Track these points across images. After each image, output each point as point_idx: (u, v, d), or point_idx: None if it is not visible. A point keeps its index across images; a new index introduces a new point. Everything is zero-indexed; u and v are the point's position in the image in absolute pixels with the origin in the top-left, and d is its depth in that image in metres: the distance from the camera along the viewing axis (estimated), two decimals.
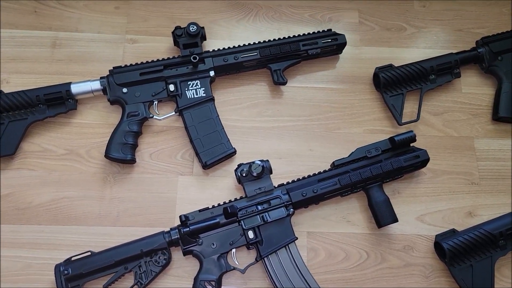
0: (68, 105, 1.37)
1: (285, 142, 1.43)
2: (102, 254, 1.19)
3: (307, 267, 1.23)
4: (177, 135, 1.41)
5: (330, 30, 1.50)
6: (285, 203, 1.26)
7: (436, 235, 1.30)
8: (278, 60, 1.46)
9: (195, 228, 1.21)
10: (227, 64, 1.42)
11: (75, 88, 1.37)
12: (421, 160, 1.33)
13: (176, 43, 1.43)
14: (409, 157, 1.32)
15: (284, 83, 1.45)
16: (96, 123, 1.41)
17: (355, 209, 1.36)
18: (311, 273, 1.23)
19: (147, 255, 1.20)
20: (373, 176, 1.29)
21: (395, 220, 1.30)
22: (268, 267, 1.22)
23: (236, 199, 1.27)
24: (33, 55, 1.48)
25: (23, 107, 1.34)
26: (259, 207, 1.25)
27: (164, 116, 1.40)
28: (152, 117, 1.39)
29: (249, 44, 1.45)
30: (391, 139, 1.34)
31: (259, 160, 1.28)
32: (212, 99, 1.40)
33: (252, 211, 1.24)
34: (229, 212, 1.21)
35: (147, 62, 1.41)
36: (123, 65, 1.40)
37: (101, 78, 1.39)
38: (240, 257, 1.26)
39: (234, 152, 1.37)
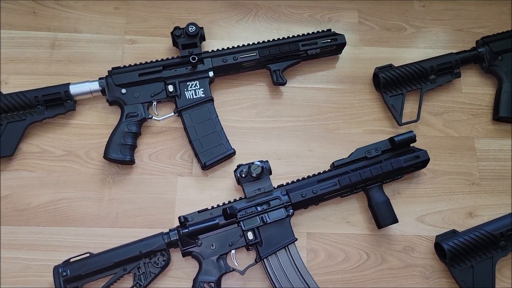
0: (67, 106, 1.37)
1: (285, 143, 1.43)
2: (101, 255, 1.19)
3: (306, 268, 1.23)
4: (176, 136, 1.41)
5: (330, 30, 1.50)
6: (285, 204, 1.25)
7: (437, 236, 1.30)
8: (277, 61, 1.45)
9: (194, 229, 1.20)
10: (226, 65, 1.42)
11: (74, 89, 1.36)
12: (421, 161, 1.32)
13: (175, 43, 1.43)
14: (409, 157, 1.32)
15: (284, 84, 1.45)
16: (95, 124, 1.41)
17: (355, 210, 1.36)
18: (311, 274, 1.23)
19: (146, 257, 1.20)
20: (373, 176, 1.29)
21: (395, 220, 1.29)
22: (267, 268, 1.22)
23: (235, 200, 1.27)
24: (32, 55, 1.48)
25: (22, 108, 1.33)
26: (259, 208, 1.24)
27: (163, 116, 1.40)
28: (151, 117, 1.38)
29: (248, 44, 1.45)
30: (391, 140, 1.33)
31: (258, 161, 1.27)
32: (211, 100, 1.40)
33: (251, 212, 1.24)
34: (229, 213, 1.21)
35: (146, 62, 1.40)
36: (122, 66, 1.40)
37: (100, 79, 1.38)
38: (239, 258, 1.26)
39: (234, 153, 1.37)
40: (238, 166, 1.28)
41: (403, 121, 1.44)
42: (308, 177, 1.31)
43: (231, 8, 1.60)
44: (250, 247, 1.24)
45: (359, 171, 1.29)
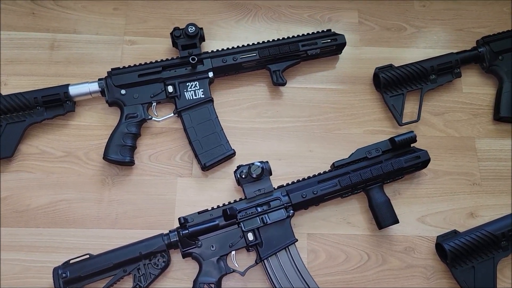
0: (66, 107, 1.36)
1: (285, 143, 1.42)
2: (101, 256, 1.19)
3: (307, 269, 1.22)
4: (176, 137, 1.41)
5: (330, 30, 1.49)
6: (285, 204, 1.25)
7: (438, 236, 1.29)
8: (277, 61, 1.45)
9: (194, 230, 1.20)
10: (226, 65, 1.41)
11: (73, 90, 1.36)
12: (422, 161, 1.32)
13: (174, 44, 1.43)
14: (409, 157, 1.31)
15: (284, 84, 1.44)
16: (94, 125, 1.40)
17: (356, 211, 1.35)
18: (312, 275, 1.22)
19: (146, 258, 1.19)
20: (373, 177, 1.28)
21: (396, 221, 1.29)
22: (268, 269, 1.21)
23: (235, 201, 1.26)
24: (31, 57, 1.47)
25: (21, 109, 1.33)
26: (259, 209, 1.24)
27: (162, 117, 1.39)
28: (151, 118, 1.38)
29: (248, 44, 1.44)
30: (391, 140, 1.33)
31: (258, 162, 1.27)
32: (211, 100, 1.39)
33: (251, 213, 1.23)
34: (229, 214, 1.20)
35: (146, 63, 1.40)
36: (121, 67, 1.39)
37: (99, 79, 1.38)
38: (239, 259, 1.25)
39: (234, 154, 1.36)
40: (238, 167, 1.27)
41: (403, 121, 1.43)
42: (309, 177, 1.30)
43: (231, 8, 1.59)
44: (250, 248, 1.24)
45: (359, 172, 1.29)
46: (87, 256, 1.19)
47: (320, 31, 1.49)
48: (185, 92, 1.39)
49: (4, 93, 1.34)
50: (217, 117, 1.38)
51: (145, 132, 1.40)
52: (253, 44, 1.44)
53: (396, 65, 1.46)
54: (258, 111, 1.46)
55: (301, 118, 1.46)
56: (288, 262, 1.22)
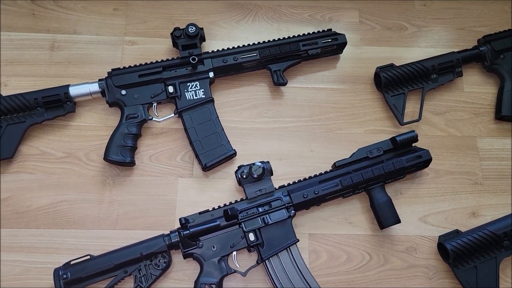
0: (67, 108, 1.36)
1: (286, 143, 1.42)
2: (102, 257, 1.18)
3: (309, 270, 1.22)
4: (177, 137, 1.40)
5: (330, 30, 1.49)
6: (286, 204, 1.24)
7: (440, 236, 1.29)
8: (278, 61, 1.45)
9: (195, 230, 1.20)
10: (226, 65, 1.41)
11: (73, 91, 1.36)
12: (424, 160, 1.31)
13: (175, 44, 1.42)
14: (411, 157, 1.31)
15: (284, 84, 1.44)
16: (95, 125, 1.40)
17: (357, 210, 1.35)
18: (313, 275, 1.22)
19: (147, 259, 1.19)
20: (375, 176, 1.28)
21: (397, 221, 1.28)
22: (269, 269, 1.21)
23: (236, 201, 1.26)
24: (31, 57, 1.47)
25: (21, 110, 1.33)
26: (260, 209, 1.23)
27: (163, 118, 1.39)
28: (151, 119, 1.37)
29: (248, 44, 1.44)
30: (392, 139, 1.32)
31: (259, 162, 1.27)
32: (212, 101, 1.39)
33: (252, 213, 1.23)
34: (230, 214, 1.20)
35: (146, 63, 1.39)
36: (121, 67, 1.39)
37: (99, 80, 1.37)
38: (241, 260, 1.25)
39: (234, 154, 1.36)
40: (239, 167, 1.27)
41: (405, 121, 1.43)
42: (310, 177, 1.30)
43: (231, 8, 1.59)
44: (251, 249, 1.23)
45: (361, 171, 1.28)
46: (88, 257, 1.19)
47: (320, 30, 1.48)
48: (186, 92, 1.38)
49: (4, 94, 1.34)
50: (217, 117, 1.38)
51: (145, 132, 1.39)
52: (254, 44, 1.44)
53: (397, 65, 1.46)
54: (259, 111, 1.45)
55: (302, 118, 1.45)
56: (290, 263, 1.22)
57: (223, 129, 1.37)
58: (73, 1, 1.55)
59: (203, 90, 1.39)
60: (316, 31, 1.48)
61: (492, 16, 1.62)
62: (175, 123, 1.42)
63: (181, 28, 1.41)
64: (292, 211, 1.24)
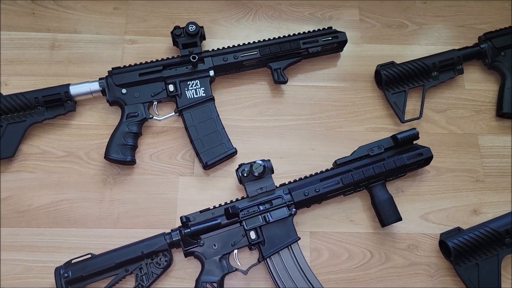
0: (67, 107, 1.36)
1: (287, 142, 1.42)
2: (103, 256, 1.18)
3: (310, 268, 1.22)
4: (177, 136, 1.40)
5: (331, 28, 1.49)
6: (287, 202, 1.24)
7: (441, 234, 1.29)
8: (278, 59, 1.44)
9: (196, 229, 1.19)
10: (227, 64, 1.41)
11: (74, 90, 1.36)
12: (425, 158, 1.31)
13: (175, 43, 1.42)
14: (412, 155, 1.30)
15: (285, 82, 1.44)
16: (95, 124, 1.40)
17: (358, 208, 1.34)
18: (315, 273, 1.21)
19: (148, 257, 1.19)
20: (376, 174, 1.28)
21: (399, 219, 1.28)
22: (270, 268, 1.21)
23: (237, 200, 1.26)
24: (31, 57, 1.47)
25: (22, 109, 1.33)
26: (261, 207, 1.23)
27: (164, 116, 1.39)
28: (152, 117, 1.37)
29: (249, 43, 1.44)
30: (393, 137, 1.32)
31: (260, 160, 1.26)
32: (212, 99, 1.39)
33: (253, 211, 1.23)
34: (231, 212, 1.20)
35: (146, 62, 1.39)
36: (122, 66, 1.39)
37: (100, 79, 1.37)
38: (242, 258, 1.25)
39: (235, 152, 1.36)
40: (240, 165, 1.27)
41: (405, 119, 1.43)
42: (311, 175, 1.30)
43: (232, 7, 1.59)
44: (252, 247, 1.23)
45: (362, 169, 1.28)
46: (89, 255, 1.19)
47: (321, 28, 1.48)
48: (186, 91, 1.38)
49: (4, 93, 1.34)
50: (218, 115, 1.38)
51: (146, 131, 1.39)
52: (254, 42, 1.44)
53: (397, 62, 1.46)
54: (259, 110, 1.45)
55: (303, 116, 1.45)
56: (291, 261, 1.22)
57: (224, 128, 1.37)
58: (73, 1, 1.55)
59: (203, 88, 1.39)
60: (316, 29, 1.48)
61: (493, 14, 1.62)
62: (175, 121, 1.41)
63: (181, 26, 1.40)
64: (293, 209, 1.24)
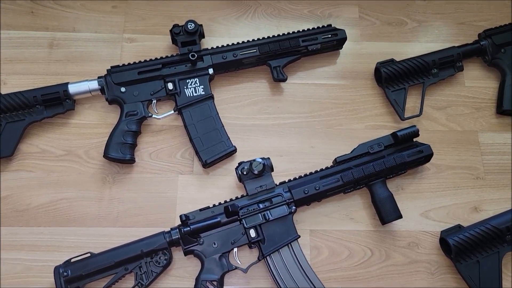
0: (66, 106, 1.36)
1: (286, 140, 1.41)
2: (102, 255, 1.18)
3: (310, 266, 1.21)
4: (177, 134, 1.40)
5: (330, 25, 1.48)
6: (287, 200, 1.24)
7: (442, 231, 1.28)
8: (277, 57, 1.44)
9: (195, 227, 1.19)
10: (226, 62, 1.41)
11: (72, 88, 1.35)
12: (425, 155, 1.31)
13: (174, 41, 1.42)
14: (412, 152, 1.30)
15: (284, 80, 1.43)
16: (94, 123, 1.40)
17: (358, 206, 1.34)
18: (315, 271, 1.21)
19: (147, 256, 1.19)
20: (376, 172, 1.27)
21: (399, 216, 1.27)
22: (270, 266, 1.20)
23: (237, 198, 1.25)
24: (30, 56, 1.47)
25: (21, 108, 1.32)
26: (261, 205, 1.23)
27: (163, 115, 1.38)
28: (151, 116, 1.37)
29: (248, 41, 1.43)
30: (393, 135, 1.32)
31: (260, 158, 1.26)
32: (212, 97, 1.38)
33: (253, 209, 1.22)
34: (230, 210, 1.19)
35: (145, 61, 1.39)
36: (121, 64, 1.38)
37: (98, 77, 1.37)
38: (242, 257, 1.24)
39: (235, 150, 1.36)
40: (240, 164, 1.26)
41: (405, 116, 1.42)
42: (311, 173, 1.29)
43: (231, 5, 1.59)
44: (252, 245, 1.23)
45: (362, 167, 1.28)
46: (88, 254, 1.19)
47: (320, 26, 1.48)
48: (185, 89, 1.38)
49: (3, 92, 1.34)
50: (217, 113, 1.37)
51: (145, 129, 1.39)
52: (253, 40, 1.43)
53: (397, 60, 1.45)
54: (259, 108, 1.45)
55: (302, 114, 1.45)
56: (291, 259, 1.21)
57: (223, 126, 1.36)
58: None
59: (202, 86, 1.39)
60: (315, 27, 1.47)
61: (493, 11, 1.61)
62: (175, 120, 1.41)
63: (180, 25, 1.40)
64: (293, 207, 1.24)
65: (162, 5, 1.56)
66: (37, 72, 1.45)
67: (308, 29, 1.46)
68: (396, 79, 1.44)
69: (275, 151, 1.39)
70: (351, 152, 1.32)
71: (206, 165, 1.33)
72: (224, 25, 1.56)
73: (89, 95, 1.38)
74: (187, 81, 1.39)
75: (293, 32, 1.45)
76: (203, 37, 1.45)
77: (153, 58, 1.39)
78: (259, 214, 1.22)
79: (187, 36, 1.40)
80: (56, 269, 1.15)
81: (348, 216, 1.33)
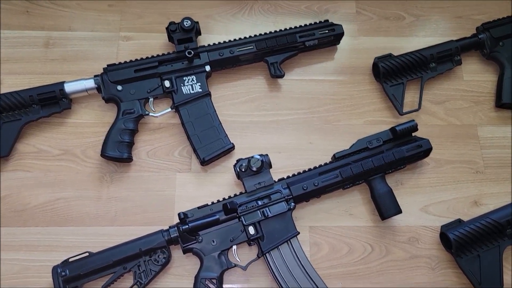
0: (62, 105, 1.35)
1: (285, 136, 1.41)
2: (100, 254, 1.17)
3: (310, 262, 1.21)
4: (174, 132, 1.39)
5: (327, 21, 1.48)
6: (286, 197, 1.23)
7: (442, 226, 1.27)
8: (274, 53, 1.43)
9: (194, 225, 1.18)
10: (223, 58, 1.40)
11: (68, 87, 1.34)
12: (424, 150, 1.30)
13: (170, 38, 1.41)
14: (411, 147, 1.29)
15: (282, 76, 1.43)
16: (91, 122, 1.39)
17: (358, 202, 1.33)
18: (315, 268, 1.20)
19: (146, 254, 1.18)
20: (375, 167, 1.27)
21: (398, 211, 1.27)
22: (270, 263, 1.20)
23: (235, 195, 1.24)
24: (26, 55, 1.46)
25: (17, 108, 1.31)
26: (259, 202, 1.22)
27: (160, 113, 1.38)
28: (148, 114, 1.36)
29: (245, 37, 1.43)
30: (392, 129, 1.31)
31: (258, 155, 1.25)
32: (209, 94, 1.38)
33: (252, 206, 1.22)
34: (229, 208, 1.18)
35: (142, 59, 1.38)
36: (117, 63, 1.38)
37: (95, 76, 1.36)
38: (241, 254, 1.23)
39: (232, 147, 1.35)
40: (238, 161, 1.26)
41: (404, 111, 1.41)
42: (309, 169, 1.29)
43: (227, 2, 1.58)
44: (251, 242, 1.22)
45: (360, 162, 1.27)
46: (87, 254, 1.18)
47: (317, 22, 1.47)
48: (182, 87, 1.37)
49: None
50: (215, 111, 1.36)
51: (142, 128, 1.38)
52: (250, 36, 1.43)
53: (395, 55, 1.44)
54: (256, 104, 1.44)
55: (301, 110, 1.44)
56: (291, 256, 1.21)
57: (221, 123, 1.35)
58: None
59: (199, 84, 1.38)
60: (313, 23, 1.46)
61: (490, 4, 1.60)
62: (172, 118, 1.40)
63: (176, 22, 1.39)
64: (292, 203, 1.23)
65: (158, 3, 1.56)
66: (33, 71, 1.44)
67: (305, 25, 1.46)
68: (394, 74, 1.43)
69: (274, 148, 1.38)
70: (350, 147, 1.31)
71: (204, 162, 1.32)
72: (220, 22, 1.55)
73: (86, 94, 1.37)
74: (184, 78, 1.38)
75: (290, 28, 1.45)
76: (200, 34, 1.44)
77: (150, 56, 1.38)
78: (258, 211, 1.22)
79: (183, 34, 1.39)
80: (54, 269, 1.14)
81: (347, 212, 1.32)
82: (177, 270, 1.24)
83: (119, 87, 1.35)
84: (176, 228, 1.19)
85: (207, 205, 1.22)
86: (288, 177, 1.27)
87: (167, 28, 1.40)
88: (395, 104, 1.42)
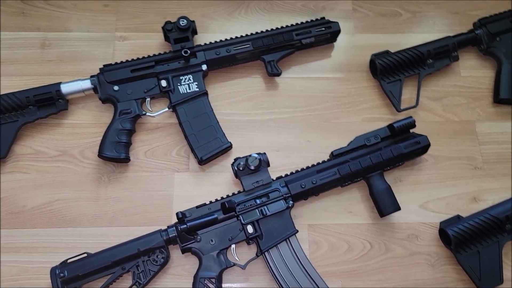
0: (59, 106, 1.35)
1: (282, 134, 1.40)
2: (99, 255, 1.17)
3: (309, 260, 1.20)
4: (172, 132, 1.39)
5: (323, 18, 1.47)
6: (284, 195, 1.23)
7: (441, 222, 1.27)
8: (271, 51, 1.43)
9: (192, 224, 1.18)
10: (219, 57, 1.39)
11: (65, 88, 1.34)
12: (422, 146, 1.30)
13: (166, 38, 1.41)
14: (409, 143, 1.29)
15: (279, 74, 1.42)
16: (88, 122, 1.39)
17: (356, 199, 1.33)
18: (314, 266, 1.20)
19: (144, 254, 1.18)
20: (373, 164, 1.26)
21: (397, 208, 1.27)
22: (269, 261, 1.19)
23: (233, 194, 1.24)
24: (22, 56, 1.46)
25: (13, 109, 1.31)
26: (258, 201, 1.22)
27: (157, 112, 1.37)
28: (145, 114, 1.36)
29: (241, 36, 1.42)
30: (390, 126, 1.31)
31: (256, 153, 1.25)
32: (206, 93, 1.37)
33: (250, 205, 1.21)
34: (227, 207, 1.18)
35: (138, 58, 1.38)
36: (113, 63, 1.37)
37: (91, 76, 1.36)
38: (240, 253, 1.23)
39: (230, 146, 1.34)
40: (236, 159, 1.25)
41: (402, 108, 1.41)
42: (307, 167, 1.28)
43: (223, 1, 1.57)
44: (250, 241, 1.22)
45: (358, 160, 1.27)
46: (85, 255, 1.17)
47: (314, 19, 1.46)
48: (179, 86, 1.37)
49: None
50: (212, 110, 1.36)
51: (140, 128, 1.38)
52: (247, 35, 1.42)
53: (392, 51, 1.44)
54: (254, 103, 1.44)
55: (298, 108, 1.44)
56: (290, 254, 1.20)
57: (218, 122, 1.35)
58: None
59: (196, 83, 1.38)
60: (309, 20, 1.46)
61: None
62: (169, 117, 1.40)
63: (172, 21, 1.39)
64: (290, 201, 1.23)
65: (153, 3, 1.55)
66: (30, 72, 1.44)
67: (302, 23, 1.45)
68: (391, 71, 1.42)
69: (271, 146, 1.38)
70: (348, 145, 1.31)
71: (202, 162, 1.32)
72: (217, 21, 1.55)
73: (82, 94, 1.36)
74: (181, 78, 1.37)
75: (287, 26, 1.44)
76: (196, 33, 1.43)
77: (146, 56, 1.38)
78: (256, 210, 1.21)
79: (179, 33, 1.39)
80: (53, 270, 1.14)
81: (346, 209, 1.32)
82: (176, 270, 1.24)
83: (116, 87, 1.35)
84: (174, 227, 1.19)
85: (205, 204, 1.22)
86: (286, 175, 1.27)
87: (163, 28, 1.39)
88: (392, 101, 1.42)
